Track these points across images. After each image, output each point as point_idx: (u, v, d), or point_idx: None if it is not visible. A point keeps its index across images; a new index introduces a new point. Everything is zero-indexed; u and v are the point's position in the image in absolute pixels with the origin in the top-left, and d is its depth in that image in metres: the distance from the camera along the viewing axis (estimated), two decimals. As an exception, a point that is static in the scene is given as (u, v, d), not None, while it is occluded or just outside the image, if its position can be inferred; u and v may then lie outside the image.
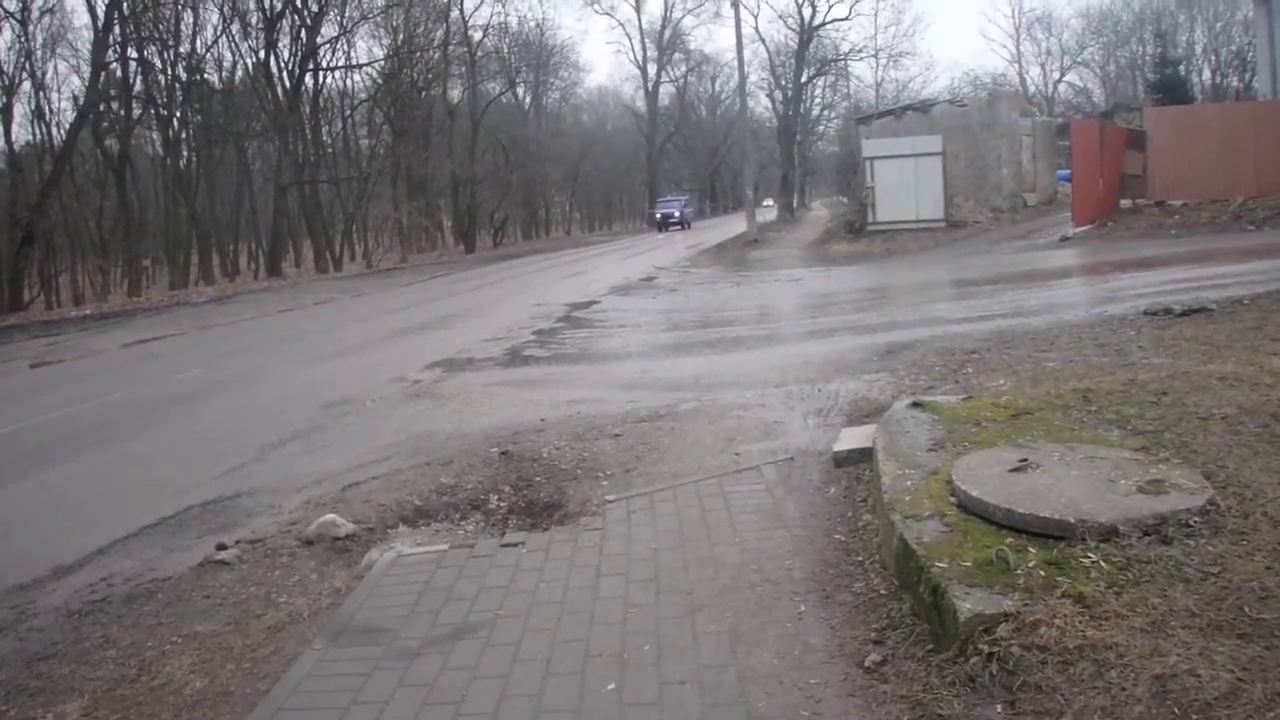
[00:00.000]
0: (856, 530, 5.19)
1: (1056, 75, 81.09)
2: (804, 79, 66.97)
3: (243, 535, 6.66)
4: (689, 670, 3.92)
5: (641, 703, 3.74)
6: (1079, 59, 79.53)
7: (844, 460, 6.31)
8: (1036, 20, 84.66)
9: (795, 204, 75.31)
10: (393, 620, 4.82)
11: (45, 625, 5.55)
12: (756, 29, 74.69)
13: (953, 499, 4.48)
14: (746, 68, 47.86)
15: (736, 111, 71.60)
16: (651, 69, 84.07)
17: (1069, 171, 29.87)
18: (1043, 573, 3.69)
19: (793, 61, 65.64)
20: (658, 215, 68.87)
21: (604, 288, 24.36)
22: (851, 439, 6.60)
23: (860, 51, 67.89)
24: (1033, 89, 79.12)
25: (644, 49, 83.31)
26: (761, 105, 77.11)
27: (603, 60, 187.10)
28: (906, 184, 32.03)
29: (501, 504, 6.72)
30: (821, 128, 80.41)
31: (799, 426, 7.72)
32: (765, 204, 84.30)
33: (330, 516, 6.58)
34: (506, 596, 4.93)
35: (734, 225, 54.22)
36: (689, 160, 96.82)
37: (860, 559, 4.80)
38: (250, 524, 6.94)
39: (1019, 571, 3.72)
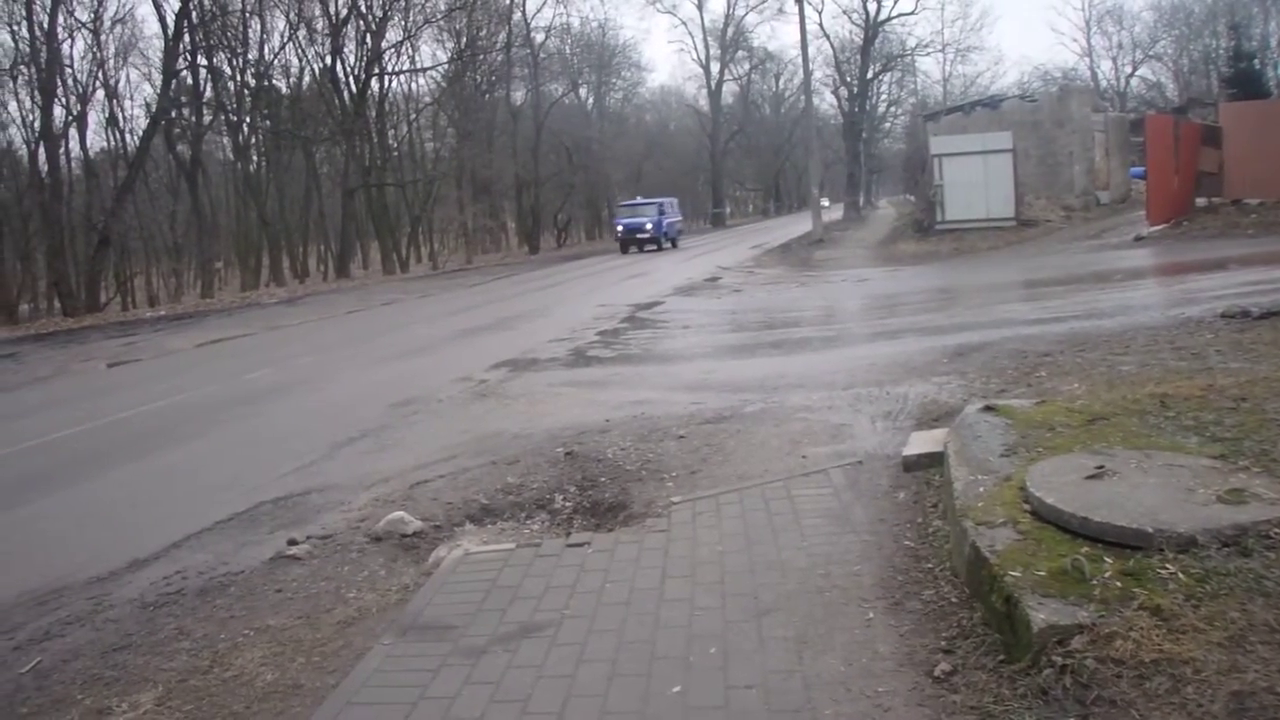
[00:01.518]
0: (926, 536, 5.13)
1: (1128, 70, 79.61)
2: (869, 75, 66.51)
3: (313, 531, 6.74)
4: (755, 675, 3.89)
5: (707, 706, 3.72)
6: (1151, 53, 78.00)
7: (914, 465, 6.24)
8: (1107, 13, 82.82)
9: (861, 202, 74.65)
10: (460, 617, 4.85)
11: (121, 617, 5.65)
12: (821, 25, 73.95)
13: (1026, 506, 4.40)
14: (811, 64, 47.65)
15: (801, 109, 71.40)
16: (714, 67, 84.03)
17: (1143, 169, 29.30)
18: (1119, 584, 3.62)
19: (858, 57, 65.18)
20: (618, 228, 49.69)
21: (667, 288, 24.35)
22: (921, 443, 6.53)
23: (927, 46, 67.93)
24: (1104, 84, 77.75)
25: (706, 47, 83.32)
26: (826, 103, 76.75)
27: (665, 59, 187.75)
28: (976, 182, 31.58)
29: (566, 504, 6.74)
30: (888, 125, 79.81)
31: (867, 430, 7.64)
32: (822, 205, 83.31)
33: (399, 514, 6.64)
34: (572, 596, 4.94)
35: (797, 225, 53.95)
36: (753, 159, 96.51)
37: (930, 566, 4.74)
38: (320, 520, 7.02)
39: (1094, 582, 3.65)
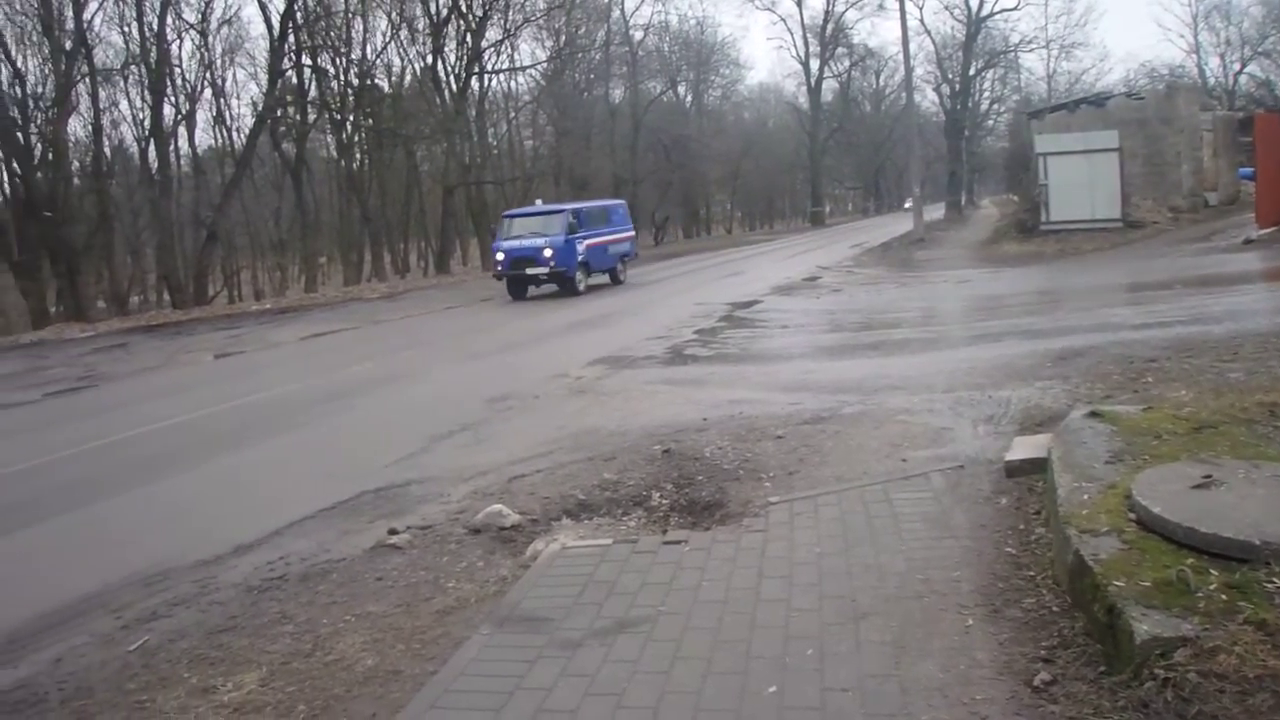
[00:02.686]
0: (1028, 544, 5.06)
1: (1236, 66, 76.53)
2: (972, 72, 65.39)
3: (413, 521, 6.87)
4: (851, 678, 3.88)
5: (802, 707, 3.73)
6: (1260, 49, 74.90)
7: (1016, 470, 6.15)
8: (1214, 8, 79.42)
9: (963, 201, 73.39)
10: (556, 611, 4.91)
11: (226, 599, 5.84)
12: (922, 21, 72.86)
13: (1131, 515, 4.32)
14: (912, 61, 46.91)
15: (902, 107, 70.42)
16: (814, 64, 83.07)
17: (1252, 169, 28.32)
18: (1224, 596, 3.55)
19: (960, 54, 64.16)
20: (497, 255, 28.17)
21: (765, 287, 24.22)
22: (1024, 448, 6.43)
23: (1030, 43, 65.91)
24: (1212, 81, 74.83)
25: (805, 44, 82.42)
26: (928, 100, 75.62)
27: (764, 57, 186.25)
28: (1081, 182, 30.80)
29: (663, 501, 6.76)
30: (990, 122, 78.25)
31: (968, 434, 7.55)
32: (907, 205, 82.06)
33: (497, 506, 6.73)
34: (668, 593, 4.96)
35: (897, 224, 53.08)
36: (852, 157, 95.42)
37: (1031, 573, 4.68)
38: (420, 511, 7.16)
39: (1199, 594, 3.59)
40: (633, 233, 32.75)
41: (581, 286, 27.01)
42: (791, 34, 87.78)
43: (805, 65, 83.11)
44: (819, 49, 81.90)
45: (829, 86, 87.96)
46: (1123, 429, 5.80)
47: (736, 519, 6.15)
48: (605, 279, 29.65)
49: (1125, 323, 12.64)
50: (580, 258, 27.04)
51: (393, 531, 6.62)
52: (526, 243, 26.74)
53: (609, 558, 5.59)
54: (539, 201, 34.74)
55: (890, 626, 4.28)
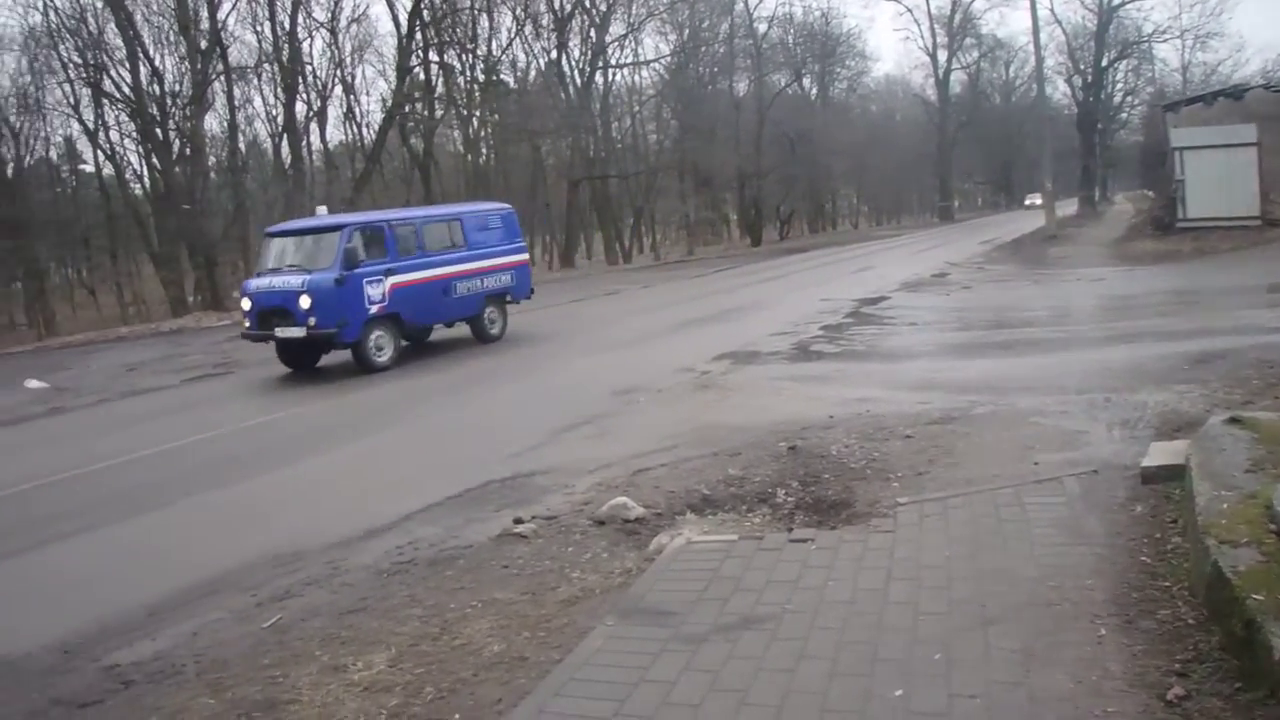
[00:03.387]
0: (1164, 553, 4.92)
1: (1380, 56, 72.80)
2: (1104, 63, 63.18)
3: (538, 511, 6.99)
4: (979, 685, 3.83)
5: (928, 713, 3.69)
6: None
7: (1152, 477, 5.97)
8: (1356, -6, 75.78)
9: (1096, 197, 71.20)
10: (681, 605, 4.94)
11: (356, 581, 6.03)
12: (1052, 10, 70.11)
13: (1272, 526, 4.19)
14: (1042, 52, 45.41)
15: (1032, 99, 68.62)
16: (941, 56, 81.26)
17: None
18: (1365, 614, 3.41)
19: (1091, 44, 62.08)
20: (243, 303, 15.43)
21: (893, 283, 23.83)
22: (1161, 454, 6.24)
23: (1164, 33, 63.30)
24: (1354, 72, 71.37)
25: (933, 35, 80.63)
26: (1059, 91, 73.12)
27: (890, 48, 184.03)
28: (1218, 177, 29.42)
29: (788, 499, 6.73)
30: (1124, 115, 75.67)
31: (1103, 437, 7.37)
32: (1027, 202, 79.80)
33: (621, 499, 6.80)
34: (794, 592, 4.95)
35: (1028, 220, 51.66)
36: (982, 151, 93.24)
37: (1167, 584, 4.55)
38: (545, 501, 7.29)
39: (1340, 612, 3.46)
40: (521, 256, 19.66)
41: (383, 358, 15.21)
42: (918, 25, 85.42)
43: (933, 57, 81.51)
44: (946, 40, 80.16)
45: (957, 78, 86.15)
46: (1263, 437, 5.61)
47: (864, 519, 6.10)
48: (481, 335, 17.78)
49: (1265, 325, 12.19)
50: (374, 309, 15.12)
51: (518, 521, 6.75)
52: (279, 283, 15.08)
53: (734, 554, 5.59)
54: (322, 209, 19.31)
55: (1020, 633, 4.21)
